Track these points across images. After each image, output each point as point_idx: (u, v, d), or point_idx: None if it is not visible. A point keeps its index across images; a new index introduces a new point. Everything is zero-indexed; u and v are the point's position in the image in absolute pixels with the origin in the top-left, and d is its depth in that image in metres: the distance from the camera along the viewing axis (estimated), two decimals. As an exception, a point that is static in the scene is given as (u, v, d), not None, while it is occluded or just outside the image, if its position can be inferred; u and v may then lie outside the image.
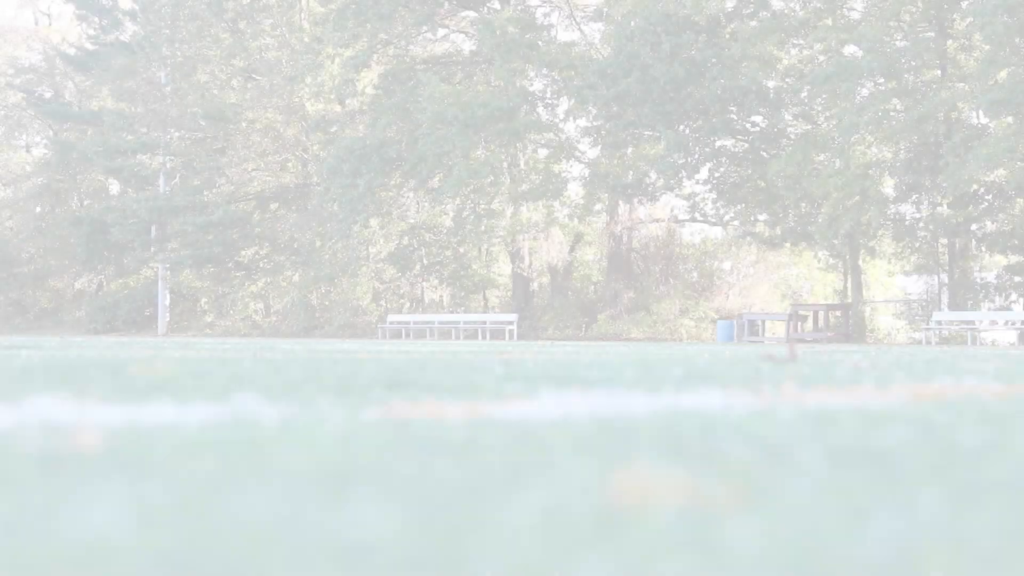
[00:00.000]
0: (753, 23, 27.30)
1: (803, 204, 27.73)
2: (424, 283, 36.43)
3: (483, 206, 32.91)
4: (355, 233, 33.12)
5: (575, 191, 32.61)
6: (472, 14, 34.22)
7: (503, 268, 36.30)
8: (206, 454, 0.87)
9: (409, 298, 36.91)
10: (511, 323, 29.90)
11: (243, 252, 38.36)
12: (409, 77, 31.82)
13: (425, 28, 34.14)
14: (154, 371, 1.77)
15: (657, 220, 34.63)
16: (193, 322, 39.54)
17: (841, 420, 1.14)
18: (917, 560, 0.54)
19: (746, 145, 28.17)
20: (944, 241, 27.96)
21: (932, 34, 26.29)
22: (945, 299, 28.01)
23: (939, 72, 26.37)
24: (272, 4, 37.06)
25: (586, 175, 31.18)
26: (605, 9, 29.86)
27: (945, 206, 26.39)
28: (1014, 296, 27.21)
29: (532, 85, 32.09)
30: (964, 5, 25.50)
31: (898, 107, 25.89)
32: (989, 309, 26.93)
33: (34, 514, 0.63)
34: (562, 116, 32.13)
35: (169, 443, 0.93)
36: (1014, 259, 26.87)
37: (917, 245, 28.77)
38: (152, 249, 37.99)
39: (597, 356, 3.92)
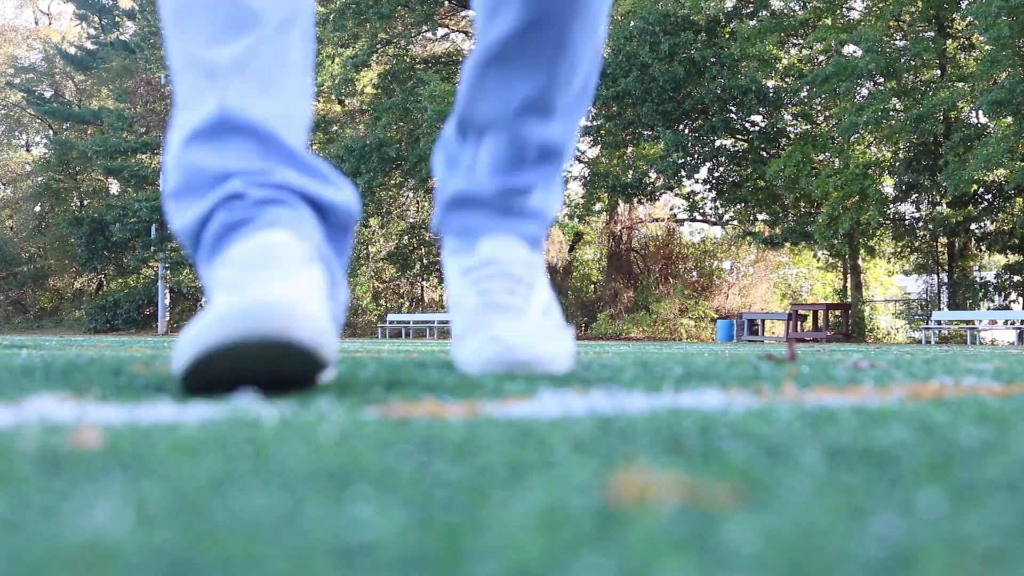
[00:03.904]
0: (752, 23, 27.31)
1: (803, 204, 27.76)
2: (424, 283, 36.46)
3: (483, 206, 32.90)
4: (354, 232, 33.13)
5: (575, 191, 32.63)
6: (472, 13, 34.24)
7: (503, 268, 36.29)
8: (206, 453, 0.87)
9: (409, 297, 36.93)
10: (511, 323, 29.83)
11: (243, 252, 38.36)
12: (409, 77, 31.83)
13: (425, 28, 34.16)
14: (154, 370, 1.77)
15: (657, 220, 34.69)
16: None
17: (840, 419, 1.15)
18: (916, 559, 0.54)
19: (745, 145, 28.19)
20: (944, 241, 27.99)
21: (932, 34, 26.30)
22: (944, 299, 28.04)
23: (939, 72, 26.38)
24: (272, 4, 37.03)
25: (586, 175, 31.20)
26: (604, 9, 29.82)
27: (945, 206, 26.40)
28: (1013, 295, 27.22)
29: (532, 85, 32.08)
30: (964, 5, 25.50)
31: (898, 107, 25.90)
32: (989, 308, 26.94)
33: (34, 514, 0.63)
34: (561, 116, 32.10)
35: (169, 442, 0.93)
36: (1013, 258, 26.88)
37: (917, 245, 28.80)
38: (152, 249, 38.02)
39: (597, 356, 3.92)
